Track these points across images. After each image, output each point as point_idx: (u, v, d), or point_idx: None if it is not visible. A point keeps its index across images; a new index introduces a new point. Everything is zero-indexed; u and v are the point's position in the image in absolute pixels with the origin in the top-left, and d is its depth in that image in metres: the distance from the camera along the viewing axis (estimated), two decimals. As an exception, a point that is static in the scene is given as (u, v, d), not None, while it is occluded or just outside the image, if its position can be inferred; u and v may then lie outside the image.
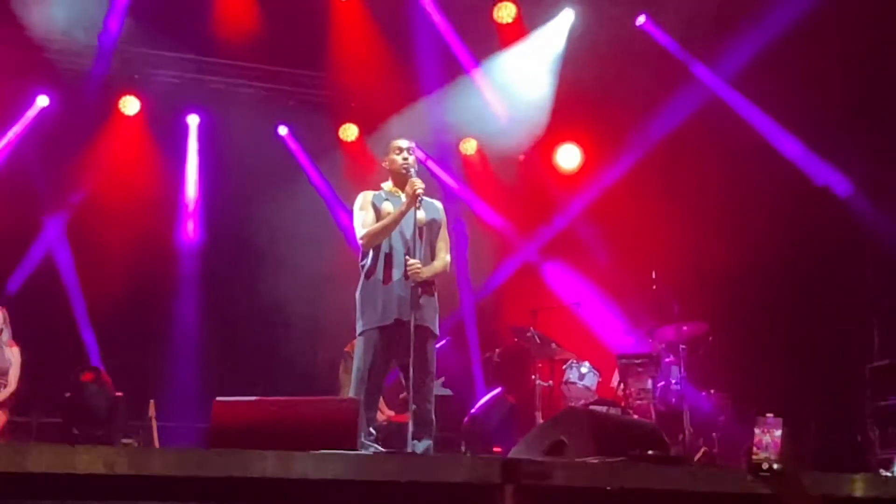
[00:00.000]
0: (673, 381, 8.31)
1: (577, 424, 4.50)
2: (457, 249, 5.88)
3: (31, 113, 9.72)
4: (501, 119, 10.30)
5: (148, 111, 10.07)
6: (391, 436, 6.81)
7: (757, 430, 2.74)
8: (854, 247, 8.58)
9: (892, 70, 8.37)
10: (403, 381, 5.58)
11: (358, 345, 5.59)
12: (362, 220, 5.64)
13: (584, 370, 8.36)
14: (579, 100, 9.96)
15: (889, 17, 8.16)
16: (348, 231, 5.79)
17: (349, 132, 10.73)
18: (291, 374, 9.66)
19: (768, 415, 2.74)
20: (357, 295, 5.63)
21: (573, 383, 8.32)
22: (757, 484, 2.73)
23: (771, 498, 2.80)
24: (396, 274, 5.51)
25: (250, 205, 10.11)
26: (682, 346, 8.16)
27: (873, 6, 8.19)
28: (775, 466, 2.69)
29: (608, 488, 3.48)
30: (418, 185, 5.52)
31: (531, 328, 8.40)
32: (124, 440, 7.77)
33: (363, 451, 4.89)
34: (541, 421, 7.64)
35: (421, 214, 5.57)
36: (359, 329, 5.58)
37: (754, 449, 2.72)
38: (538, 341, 8.38)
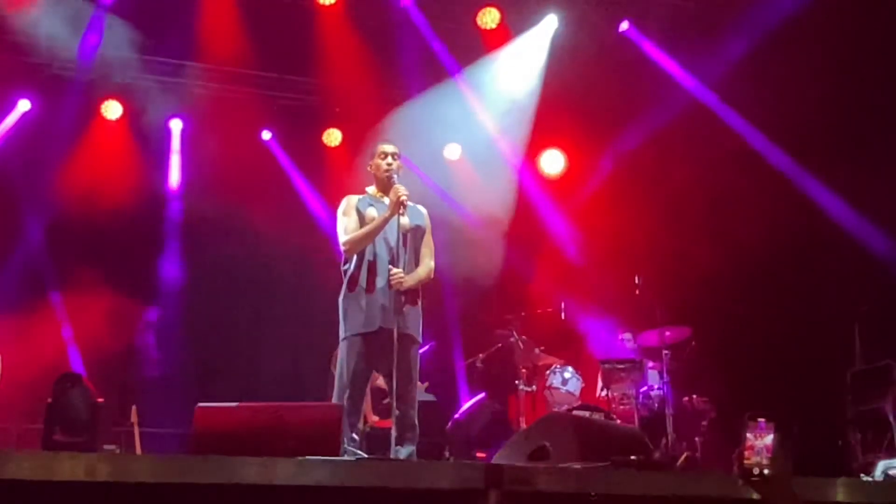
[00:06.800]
0: (656, 386, 8.35)
1: (560, 430, 4.51)
2: (440, 255, 5.86)
3: (12, 117, 9.66)
4: (485, 124, 10.30)
5: (131, 115, 10.03)
6: (374, 441, 6.80)
7: (749, 435, 2.73)
8: (835, 252, 8.62)
9: (873, 75, 8.43)
10: (387, 388, 5.56)
11: (341, 350, 5.58)
12: (345, 226, 5.63)
13: (567, 375, 8.37)
14: (563, 105, 9.98)
15: (869, 24, 8.21)
16: (332, 236, 5.77)
17: (333, 137, 10.72)
18: (274, 379, 9.63)
19: (760, 419, 2.74)
20: (340, 301, 5.62)
21: (556, 388, 8.32)
22: (746, 488, 2.73)
23: (757, 503, 2.80)
24: (380, 282, 5.50)
25: (233, 210, 10.07)
26: (665, 351, 8.20)
27: (853, 13, 8.25)
28: (766, 472, 2.69)
29: (592, 494, 3.48)
30: (402, 191, 5.51)
31: (515, 333, 8.40)
32: (106, 446, 7.72)
33: (346, 457, 4.88)
34: (524, 426, 7.64)
35: (405, 221, 5.56)
36: (342, 335, 5.57)
37: (745, 453, 2.72)
38: (522, 346, 8.39)
